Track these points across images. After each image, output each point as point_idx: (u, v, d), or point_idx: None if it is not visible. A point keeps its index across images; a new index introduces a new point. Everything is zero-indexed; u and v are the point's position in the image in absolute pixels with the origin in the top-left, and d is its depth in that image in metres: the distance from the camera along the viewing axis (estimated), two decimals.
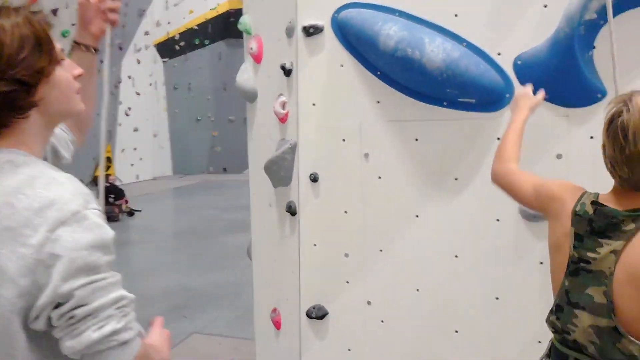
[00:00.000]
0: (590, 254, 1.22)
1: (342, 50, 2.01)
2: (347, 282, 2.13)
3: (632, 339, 1.17)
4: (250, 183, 2.77)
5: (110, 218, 9.28)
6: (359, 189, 2.05)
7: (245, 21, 2.57)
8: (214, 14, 16.04)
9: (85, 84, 1.14)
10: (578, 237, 1.25)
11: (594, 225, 1.22)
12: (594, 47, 1.67)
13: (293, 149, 2.16)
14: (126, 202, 9.83)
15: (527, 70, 1.76)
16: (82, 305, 0.85)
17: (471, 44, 1.81)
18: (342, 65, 2.02)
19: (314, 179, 2.11)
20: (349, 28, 1.95)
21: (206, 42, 16.46)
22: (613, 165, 1.21)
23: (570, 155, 1.74)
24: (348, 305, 2.13)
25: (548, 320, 1.35)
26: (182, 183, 14.72)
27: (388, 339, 2.07)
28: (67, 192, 0.90)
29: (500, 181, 1.51)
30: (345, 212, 2.09)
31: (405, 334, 2.05)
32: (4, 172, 0.91)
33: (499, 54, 1.79)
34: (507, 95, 1.79)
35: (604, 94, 1.66)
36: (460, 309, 1.96)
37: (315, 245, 2.16)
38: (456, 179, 1.91)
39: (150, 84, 16.02)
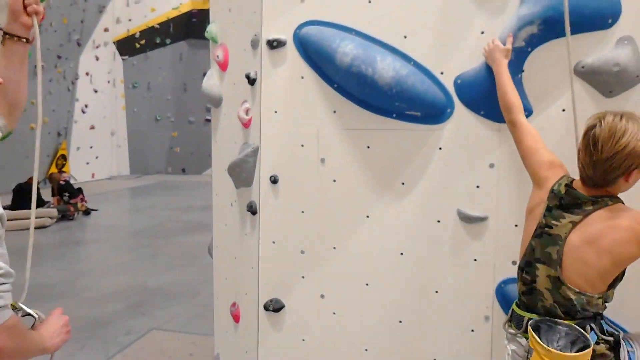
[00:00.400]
0: (554, 222, 1.61)
1: (302, 63, 2.19)
2: (303, 277, 2.30)
3: (570, 286, 1.56)
4: (213, 183, 2.91)
5: (65, 217, 9.13)
6: (315, 191, 2.23)
7: (212, 30, 2.72)
8: (176, 13, 15.96)
9: (17, 73, 1.28)
10: (548, 209, 1.63)
11: (563, 202, 1.60)
12: (523, 71, 1.91)
13: (255, 152, 2.32)
14: (83, 200, 9.68)
15: (466, 89, 1.98)
16: None
17: (418, 63, 2.02)
18: (302, 77, 2.20)
19: (274, 180, 2.28)
20: (309, 44, 2.13)
21: (167, 41, 16.35)
22: (583, 166, 1.56)
23: (501, 165, 1.98)
24: (303, 298, 2.31)
25: (519, 277, 1.71)
26: (139, 183, 14.55)
27: (339, 329, 2.26)
28: None
29: (514, 132, 1.81)
30: (303, 212, 2.26)
31: (355, 325, 2.23)
32: None
33: (441, 73, 2.01)
34: (448, 110, 2.01)
35: (530, 111, 1.90)
36: (404, 301, 2.16)
37: (274, 242, 2.32)
38: (403, 184, 2.11)
39: (109, 82, 15.76)
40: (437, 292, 2.12)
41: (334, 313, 2.27)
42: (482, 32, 1.96)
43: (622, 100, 1.82)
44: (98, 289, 5.24)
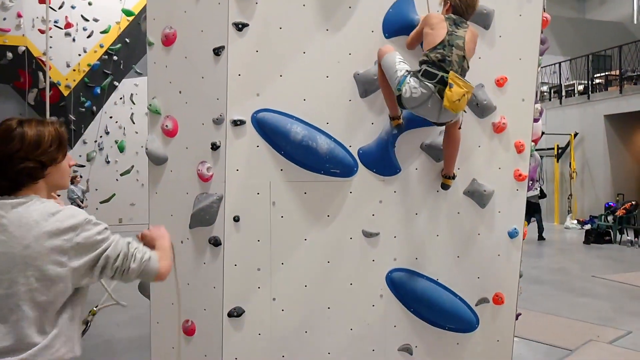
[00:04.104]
0: (456, 30, 2.87)
1: (258, 137, 3.15)
2: (259, 287, 3.20)
3: (467, 65, 2.87)
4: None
5: None
6: (267, 224, 3.19)
7: (155, 104, 3.43)
8: None
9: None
10: (449, 34, 2.84)
11: (456, 22, 2.90)
12: (395, 146, 3.30)
13: (220, 199, 3.15)
14: None
15: (364, 156, 3.27)
16: None
17: (337, 140, 3.22)
18: (257, 146, 3.16)
19: (236, 219, 3.15)
20: (265, 123, 3.13)
21: None
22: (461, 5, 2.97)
23: (386, 201, 3.31)
24: (259, 303, 3.19)
25: (435, 52, 2.80)
26: None
27: (286, 321, 3.21)
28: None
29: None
30: (258, 240, 3.18)
31: (297, 316, 3.23)
32: (34, 204, 1.65)
33: (350, 146, 3.26)
34: (355, 169, 3.26)
35: (400, 169, 3.29)
36: (330, 293, 3.27)
37: (235, 265, 3.16)
38: (328, 216, 3.26)
39: None
40: (351, 284, 3.30)
41: (282, 310, 3.22)
42: (372, 123, 3.29)
43: (488, 119, 3.44)
44: None
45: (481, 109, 3.42)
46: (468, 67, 2.91)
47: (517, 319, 3.68)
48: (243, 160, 3.16)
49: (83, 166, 14.96)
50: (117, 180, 14.12)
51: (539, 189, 12.40)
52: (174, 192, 3.38)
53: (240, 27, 3.10)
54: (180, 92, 3.35)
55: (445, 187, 3.31)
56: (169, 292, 3.40)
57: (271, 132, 3.14)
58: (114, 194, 13.22)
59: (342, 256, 3.29)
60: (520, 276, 3.65)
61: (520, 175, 3.53)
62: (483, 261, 3.51)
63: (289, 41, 3.17)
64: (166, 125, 3.37)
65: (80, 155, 15.00)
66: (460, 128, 3.14)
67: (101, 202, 12.74)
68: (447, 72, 2.75)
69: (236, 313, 3.14)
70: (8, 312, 1.56)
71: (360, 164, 3.28)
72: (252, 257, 3.18)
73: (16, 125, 1.62)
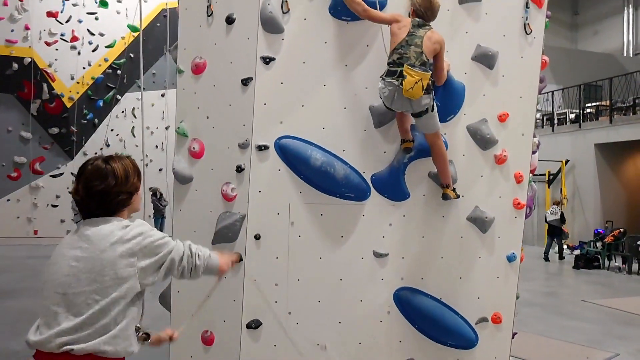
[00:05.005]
0: (416, 31, 3.20)
1: (279, 161, 3.42)
2: (276, 301, 3.43)
3: (426, 58, 3.14)
4: None
5: None
6: (286, 243, 3.43)
7: (183, 127, 3.69)
8: None
9: None
10: (412, 28, 3.21)
11: (419, 23, 3.23)
12: (405, 174, 3.57)
13: (243, 218, 3.40)
14: None
15: (377, 182, 3.54)
16: None
17: (352, 166, 3.49)
18: (279, 170, 3.42)
19: (257, 237, 3.39)
20: (287, 149, 3.39)
21: None
22: (421, 9, 3.33)
23: (395, 224, 3.57)
24: (275, 316, 3.42)
25: (396, 52, 3.19)
26: None
27: (301, 334, 3.44)
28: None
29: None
30: (277, 257, 3.43)
31: (312, 328, 3.46)
32: (111, 222, 1.96)
33: (364, 172, 3.53)
34: (368, 193, 3.52)
35: (409, 195, 3.56)
36: (342, 308, 3.50)
37: (255, 280, 3.40)
38: (342, 236, 3.51)
39: None
40: (361, 300, 3.54)
41: (297, 323, 3.45)
42: (385, 152, 3.57)
43: (490, 152, 3.72)
44: None
45: (484, 142, 3.71)
46: (428, 59, 3.18)
47: (513, 338, 3.93)
48: (265, 182, 3.42)
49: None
50: None
51: (559, 213, 13.73)
52: (198, 209, 3.63)
53: (267, 60, 3.39)
54: (207, 117, 3.61)
55: (445, 197, 3.53)
56: (189, 303, 3.62)
57: (292, 157, 3.40)
58: None
59: (354, 274, 3.53)
60: (517, 298, 3.91)
61: (519, 203, 3.81)
62: (483, 283, 3.77)
63: (311, 75, 3.46)
64: (193, 147, 3.62)
65: None
66: (442, 135, 3.47)
67: None
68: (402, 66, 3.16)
69: (254, 325, 3.37)
70: (86, 306, 1.83)
71: (372, 189, 3.54)
72: (270, 273, 3.42)
73: (103, 163, 1.90)
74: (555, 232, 13.79)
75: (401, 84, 3.10)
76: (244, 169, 3.41)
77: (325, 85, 3.48)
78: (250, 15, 3.43)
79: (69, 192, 14.88)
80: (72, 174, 15.26)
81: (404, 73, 3.09)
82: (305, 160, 3.38)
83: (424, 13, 3.28)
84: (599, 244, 13.17)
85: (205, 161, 3.63)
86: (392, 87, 3.16)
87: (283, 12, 3.40)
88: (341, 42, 3.49)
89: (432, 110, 3.25)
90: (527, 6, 3.78)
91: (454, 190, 3.55)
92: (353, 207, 3.52)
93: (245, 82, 3.42)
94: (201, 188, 3.63)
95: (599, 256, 12.88)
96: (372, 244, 3.55)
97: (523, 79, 3.84)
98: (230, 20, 3.51)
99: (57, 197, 14.98)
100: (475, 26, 3.70)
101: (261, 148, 3.38)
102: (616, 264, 12.49)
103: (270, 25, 3.38)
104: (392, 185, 3.55)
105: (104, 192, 1.89)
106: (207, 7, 3.60)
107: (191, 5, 3.72)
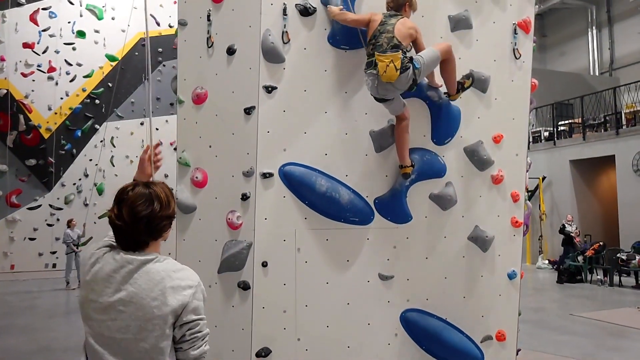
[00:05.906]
0: (390, 21, 3.33)
1: (284, 188, 3.45)
2: (285, 328, 3.42)
3: (397, 41, 3.24)
4: None
5: None
6: (293, 269, 3.45)
7: (184, 156, 3.70)
8: None
9: None
10: (381, 24, 3.34)
11: (390, 14, 3.41)
12: (407, 196, 3.64)
13: (249, 246, 3.41)
14: None
15: (380, 205, 3.59)
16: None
17: (355, 191, 3.55)
18: (284, 196, 3.46)
19: (264, 264, 3.40)
20: (292, 176, 3.43)
21: None
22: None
23: (399, 245, 3.62)
24: (285, 343, 3.41)
25: (369, 45, 3.35)
26: None
27: (310, 359, 3.43)
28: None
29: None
30: (284, 284, 3.43)
31: (320, 354, 3.45)
32: (160, 261, 1.84)
33: (367, 196, 3.59)
34: (372, 217, 3.57)
35: (411, 217, 3.63)
36: (350, 332, 3.51)
37: (263, 307, 3.39)
38: (347, 260, 3.54)
39: None
40: (368, 323, 3.56)
41: (307, 349, 3.44)
42: (386, 175, 3.63)
43: (487, 172, 3.81)
44: None
45: (481, 163, 3.81)
46: (399, 42, 3.26)
47: (517, 354, 3.98)
48: (271, 209, 3.44)
49: (60, 209, 14.90)
50: (95, 223, 14.06)
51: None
52: (203, 239, 3.62)
53: (269, 89, 3.45)
54: (210, 146, 3.64)
55: (405, 176, 3.55)
56: None
57: (297, 183, 3.44)
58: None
59: (361, 298, 3.55)
60: (519, 314, 3.98)
61: (516, 222, 3.91)
62: (486, 301, 3.83)
63: (312, 102, 3.53)
64: (196, 177, 3.63)
65: (58, 198, 14.96)
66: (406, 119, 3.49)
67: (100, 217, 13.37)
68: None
69: (264, 353, 3.35)
70: (137, 355, 1.74)
71: (376, 212, 3.59)
72: (278, 299, 3.42)
73: (145, 188, 1.84)
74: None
75: (378, 71, 3.21)
76: (249, 197, 3.43)
77: (327, 112, 3.55)
78: (251, 46, 3.50)
79: (47, 225, 14.60)
80: (50, 205, 14.98)
81: (376, 60, 3.22)
82: (311, 186, 3.42)
83: (390, 2, 3.47)
84: (580, 258, 13.42)
85: (209, 190, 3.64)
86: (372, 77, 3.28)
87: (284, 43, 3.48)
88: (340, 70, 3.58)
89: (416, 84, 3.39)
90: (515, 32, 3.95)
91: (408, 167, 3.54)
92: (358, 231, 3.56)
93: (248, 110, 3.47)
94: (205, 217, 3.63)
95: (581, 270, 13.12)
96: (378, 266, 3.59)
97: (515, 101, 3.98)
98: (231, 51, 3.57)
99: (35, 229, 14.63)
100: (468, 52, 3.84)
101: (266, 175, 3.42)
102: (598, 277, 12.73)
103: (272, 55, 3.45)
104: (394, 208, 3.61)
105: (151, 217, 1.80)
106: (207, 39, 3.66)
107: (190, 37, 3.77)
